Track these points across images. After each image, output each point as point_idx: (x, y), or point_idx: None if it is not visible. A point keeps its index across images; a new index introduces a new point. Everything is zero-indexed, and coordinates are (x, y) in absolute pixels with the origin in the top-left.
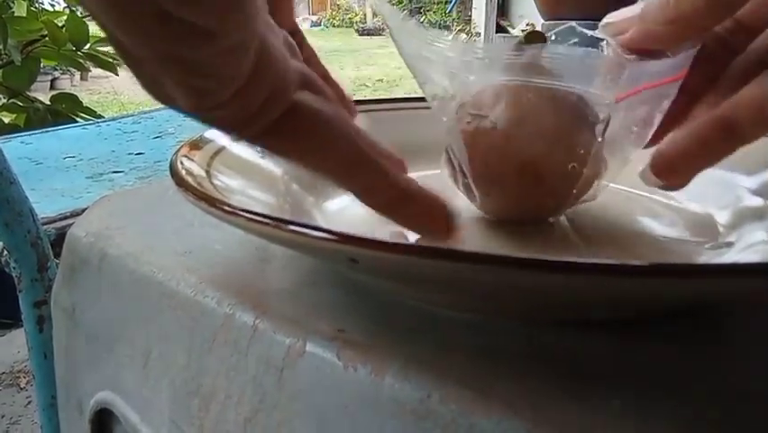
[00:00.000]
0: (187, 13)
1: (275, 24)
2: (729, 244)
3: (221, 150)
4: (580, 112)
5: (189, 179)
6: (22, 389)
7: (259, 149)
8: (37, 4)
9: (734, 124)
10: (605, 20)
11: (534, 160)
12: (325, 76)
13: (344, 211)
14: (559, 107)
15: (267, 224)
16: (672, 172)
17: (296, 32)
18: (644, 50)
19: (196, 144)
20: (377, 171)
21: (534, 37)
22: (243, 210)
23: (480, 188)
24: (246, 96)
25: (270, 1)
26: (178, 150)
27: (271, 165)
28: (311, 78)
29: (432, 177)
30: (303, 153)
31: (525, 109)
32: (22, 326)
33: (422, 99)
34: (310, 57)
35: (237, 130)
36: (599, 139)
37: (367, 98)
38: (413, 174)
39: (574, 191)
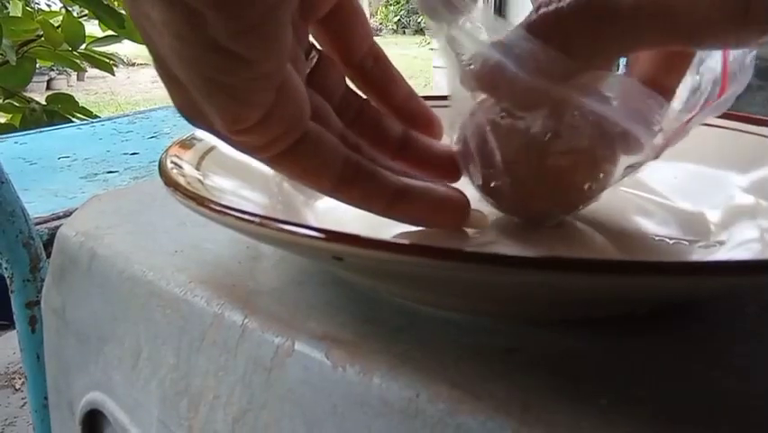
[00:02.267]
0: (235, 45)
1: (301, 53)
2: (721, 243)
3: (211, 149)
4: (617, 146)
5: (180, 178)
6: (17, 390)
7: None
8: (33, 5)
9: None
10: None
11: (557, 171)
12: (411, 95)
13: (335, 210)
14: (600, 135)
15: (252, 222)
16: None
17: (376, 53)
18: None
19: (186, 144)
20: (369, 183)
21: None
22: (230, 208)
23: (492, 181)
24: (270, 123)
25: (344, 23)
26: (168, 149)
27: (262, 165)
28: (319, 105)
29: None
30: (305, 174)
31: (565, 123)
32: None
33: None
34: (392, 78)
35: (258, 153)
36: (624, 177)
37: None
38: None
39: (581, 207)
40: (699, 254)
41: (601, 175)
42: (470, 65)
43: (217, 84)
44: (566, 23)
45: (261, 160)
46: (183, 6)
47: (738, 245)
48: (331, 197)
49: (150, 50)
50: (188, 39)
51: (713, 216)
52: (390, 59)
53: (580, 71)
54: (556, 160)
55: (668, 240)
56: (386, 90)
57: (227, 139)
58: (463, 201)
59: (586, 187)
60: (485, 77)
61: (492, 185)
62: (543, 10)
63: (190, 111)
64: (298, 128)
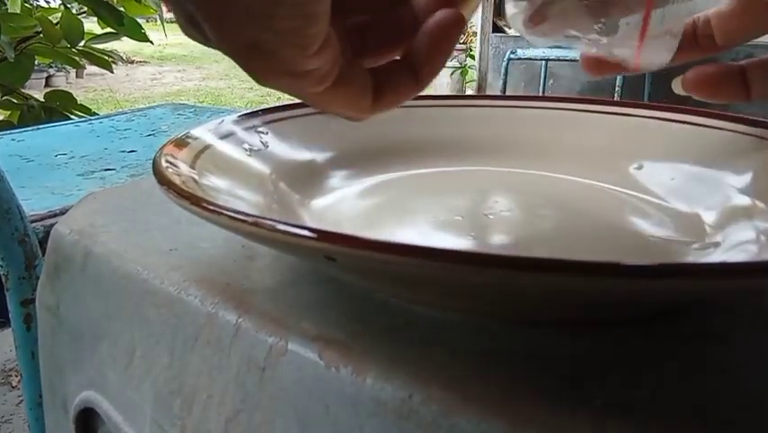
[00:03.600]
0: None
1: None
2: (716, 244)
3: (206, 148)
4: None
5: (174, 177)
6: (13, 387)
7: (246, 146)
8: (31, 1)
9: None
10: None
11: None
12: None
13: (330, 209)
14: None
15: (245, 221)
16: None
17: None
18: None
19: (181, 142)
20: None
21: None
22: (223, 208)
23: None
24: (331, 43)
25: None
26: (162, 147)
27: (258, 164)
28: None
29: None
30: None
31: None
32: None
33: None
34: None
35: (321, 83)
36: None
37: None
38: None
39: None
40: (694, 256)
41: None
42: None
43: (284, 6)
44: None
45: (317, 99)
46: None
47: (733, 247)
48: (373, 114)
49: (221, 41)
50: None
51: (709, 217)
52: None
53: None
54: None
55: (663, 241)
56: None
57: (298, 80)
58: (448, 9)
59: None
60: None
61: None
62: None
63: (269, 69)
64: (345, 50)
